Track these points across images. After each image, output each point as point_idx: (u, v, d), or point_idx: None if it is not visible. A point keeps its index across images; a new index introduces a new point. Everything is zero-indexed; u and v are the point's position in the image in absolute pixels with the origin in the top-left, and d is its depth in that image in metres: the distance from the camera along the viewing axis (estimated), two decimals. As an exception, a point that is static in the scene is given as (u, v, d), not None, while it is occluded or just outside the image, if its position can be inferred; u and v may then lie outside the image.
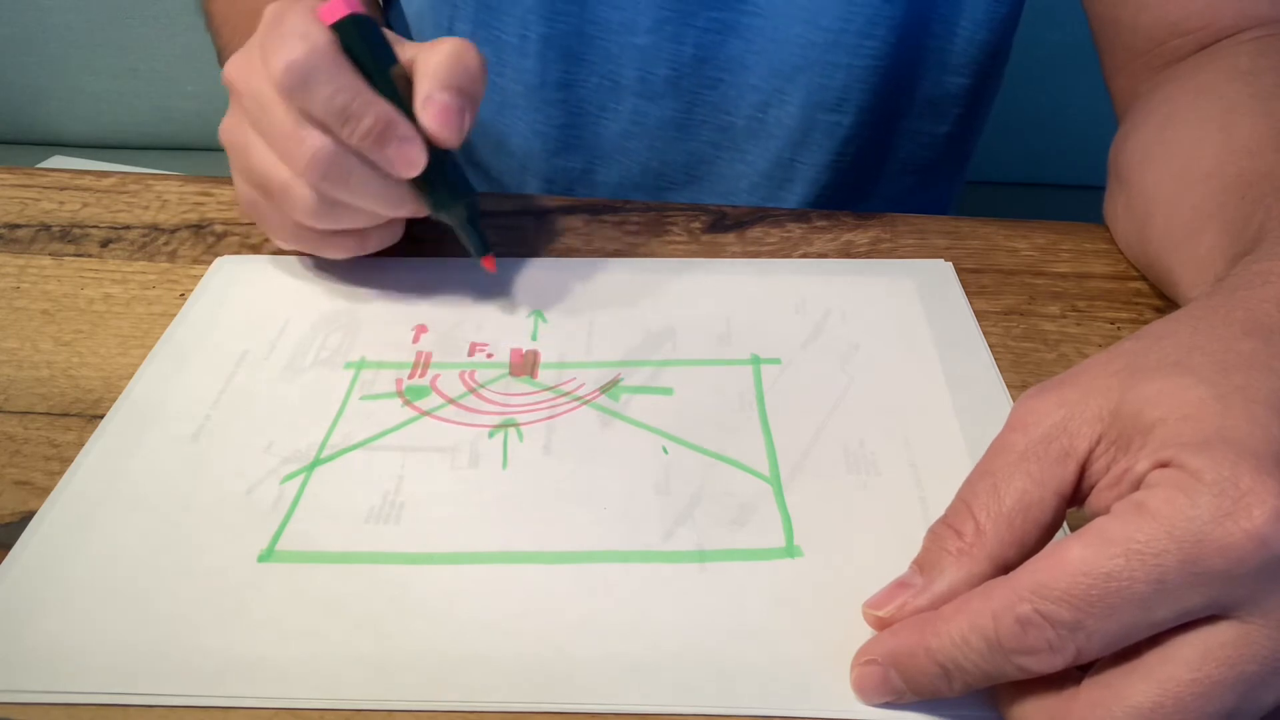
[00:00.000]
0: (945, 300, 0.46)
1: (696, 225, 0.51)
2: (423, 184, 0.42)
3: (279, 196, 0.41)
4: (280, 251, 0.48)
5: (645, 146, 0.63)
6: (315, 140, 0.39)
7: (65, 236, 0.50)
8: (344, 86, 0.38)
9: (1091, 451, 0.27)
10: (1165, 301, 0.46)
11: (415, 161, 0.40)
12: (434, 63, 0.40)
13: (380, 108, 0.39)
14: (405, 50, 0.42)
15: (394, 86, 0.40)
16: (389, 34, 0.42)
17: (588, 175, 0.65)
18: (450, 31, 0.61)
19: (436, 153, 0.41)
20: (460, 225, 0.43)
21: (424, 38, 0.63)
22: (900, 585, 0.29)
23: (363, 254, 0.45)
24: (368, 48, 0.40)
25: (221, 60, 0.61)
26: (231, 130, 0.43)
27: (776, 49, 0.58)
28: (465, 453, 0.38)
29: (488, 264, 0.44)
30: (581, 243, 0.50)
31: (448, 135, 0.40)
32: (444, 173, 0.42)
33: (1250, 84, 0.43)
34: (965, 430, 0.38)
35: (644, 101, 0.61)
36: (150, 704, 0.29)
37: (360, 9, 0.40)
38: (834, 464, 0.37)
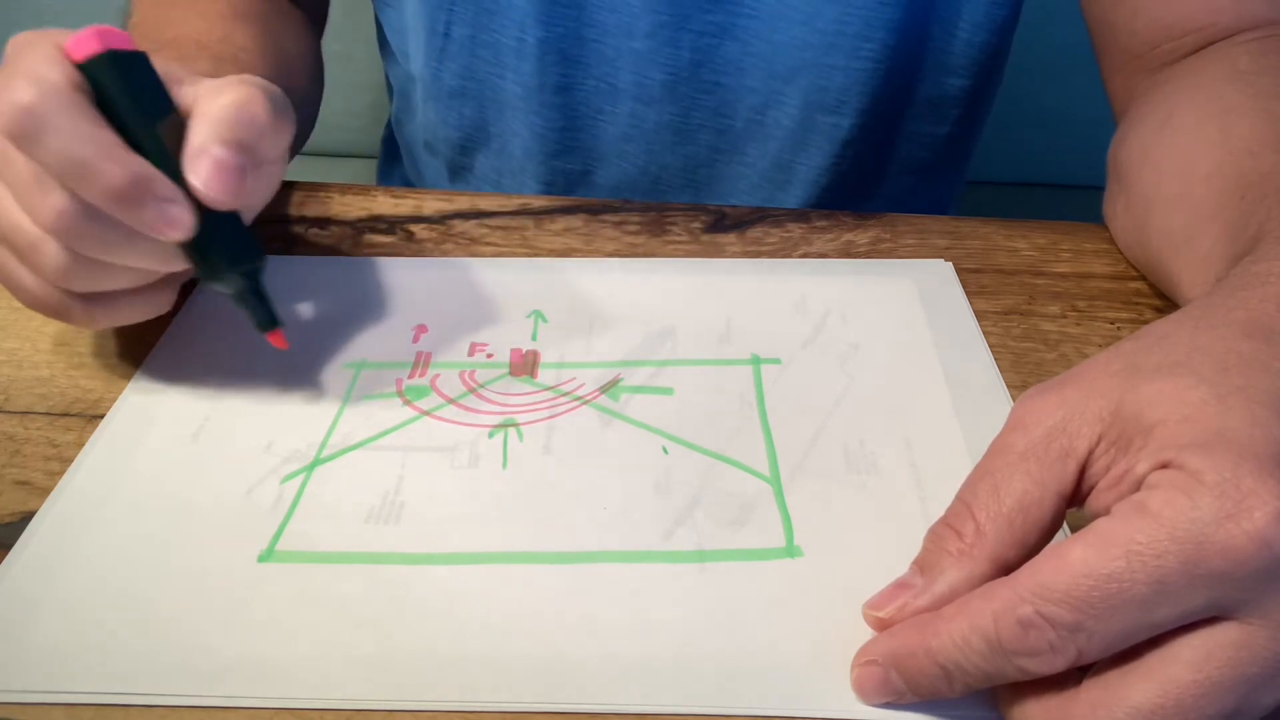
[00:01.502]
0: (945, 300, 0.46)
1: (696, 225, 0.51)
2: (191, 249, 0.36)
3: (26, 254, 0.35)
4: (281, 252, 0.48)
5: (643, 150, 0.63)
6: (57, 195, 0.33)
7: (65, 236, 0.50)
8: (80, 137, 0.32)
9: (1092, 452, 0.27)
10: (1165, 301, 0.46)
11: (180, 223, 0.34)
12: (212, 110, 0.35)
13: (129, 164, 0.33)
14: (187, 92, 0.36)
15: (158, 137, 0.34)
16: (169, 70, 0.36)
17: (586, 178, 0.65)
18: (447, 35, 0.61)
19: (209, 214, 0.35)
20: (237, 296, 0.38)
21: (420, 41, 0.63)
22: (900, 586, 0.29)
23: (126, 324, 0.39)
24: (127, 91, 0.34)
25: None
26: None
27: (774, 51, 0.58)
28: (465, 453, 0.38)
29: (274, 340, 0.39)
30: (581, 243, 0.50)
31: (219, 197, 0.34)
32: (218, 237, 0.36)
33: (1249, 84, 0.43)
34: (965, 430, 0.38)
35: (641, 105, 0.61)
36: (150, 704, 0.29)
37: (123, 44, 0.34)
38: (834, 464, 0.37)
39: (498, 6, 0.59)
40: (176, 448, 0.38)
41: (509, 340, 0.44)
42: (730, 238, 0.50)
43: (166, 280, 0.38)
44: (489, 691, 0.30)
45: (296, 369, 0.42)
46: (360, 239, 0.45)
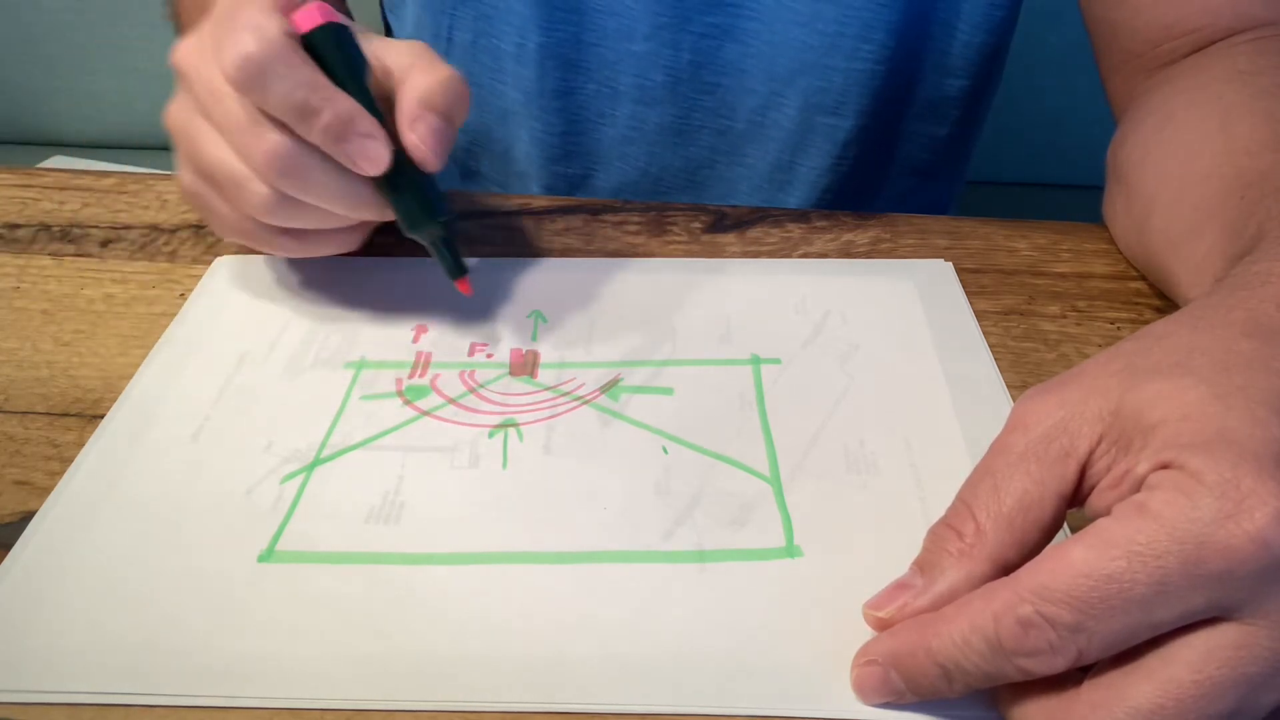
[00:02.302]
0: (945, 300, 0.46)
1: (696, 225, 0.51)
2: (396, 200, 0.40)
3: (232, 191, 0.39)
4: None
5: (644, 152, 0.63)
6: (272, 137, 0.37)
7: (65, 236, 0.50)
8: (301, 82, 0.37)
9: (1092, 452, 0.27)
10: (1165, 301, 0.46)
11: (377, 158, 0.38)
12: (425, 84, 0.39)
13: (341, 103, 0.37)
14: (384, 51, 0.41)
15: (368, 91, 0.39)
16: (367, 38, 0.41)
17: (587, 181, 0.65)
18: (449, 40, 0.61)
19: (414, 171, 0.40)
20: (434, 245, 0.42)
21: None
22: (901, 586, 0.29)
23: (313, 256, 0.44)
24: (343, 54, 0.39)
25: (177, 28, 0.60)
26: (179, 117, 0.41)
27: (773, 53, 0.58)
28: (465, 453, 0.38)
29: (462, 287, 0.43)
30: (581, 243, 0.50)
31: (433, 157, 0.39)
32: (420, 191, 0.40)
33: (1249, 84, 0.43)
34: (965, 430, 0.38)
35: (642, 107, 0.61)
36: (150, 704, 0.29)
37: (336, 17, 0.39)
38: (834, 464, 0.37)
39: (497, 12, 0.59)
40: (176, 448, 0.38)
41: (509, 340, 0.44)
42: (730, 238, 0.50)
43: (356, 226, 0.42)
44: (489, 691, 0.30)
45: (296, 369, 0.42)
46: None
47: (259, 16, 0.37)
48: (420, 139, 0.39)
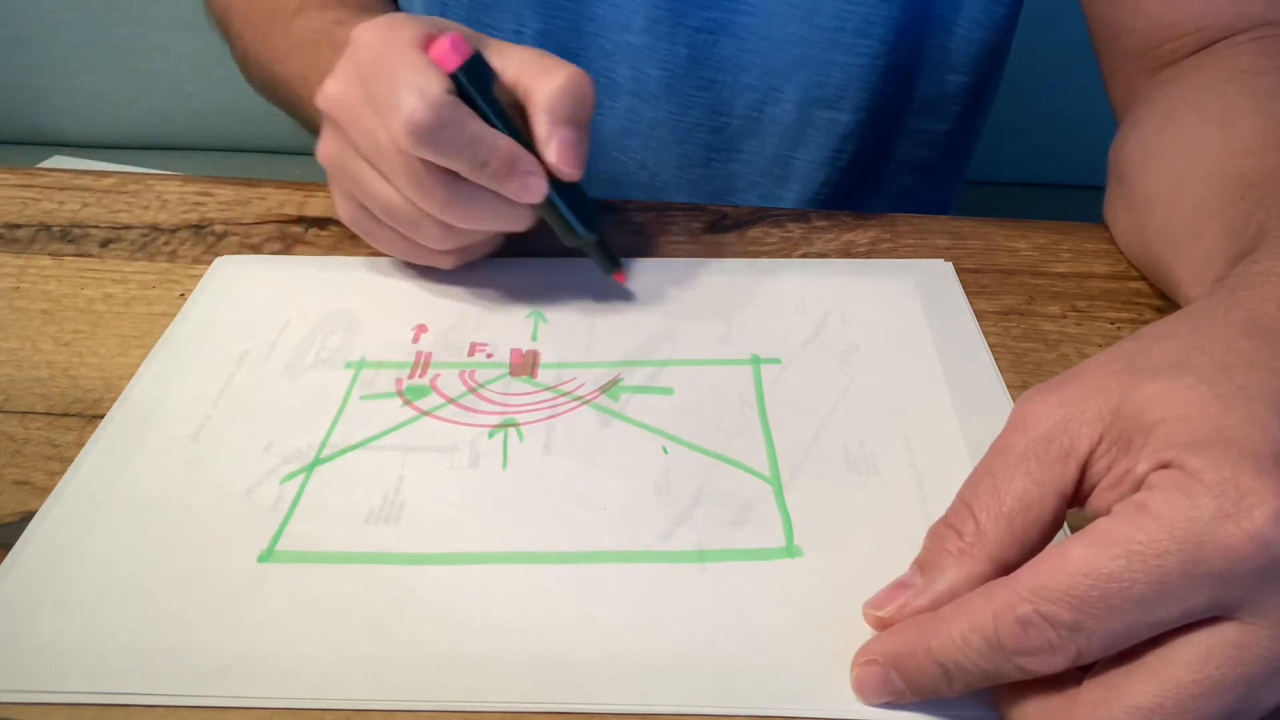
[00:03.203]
0: (945, 300, 0.46)
1: (696, 225, 0.51)
2: (553, 218, 0.43)
3: (405, 227, 0.42)
4: (282, 251, 0.49)
5: (641, 145, 0.63)
6: (444, 192, 0.40)
7: (65, 236, 0.50)
8: (469, 140, 0.39)
9: (1092, 452, 0.27)
10: (1165, 301, 0.46)
11: (538, 190, 0.41)
12: (549, 96, 0.40)
13: (504, 147, 0.40)
14: (500, 59, 0.42)
15: (511, 121, 0.41)
16: (472, 36, 0.42)
17: (585, 173, 0.65)
18: None
19: (562, 185, 0.42)
20: (593, 248, 0.45)
21: None
22: (900, 585, 0.29)
23: (470, 260, 0.46)
24: (482, 87, 0.40)
25: (241, 62, 0.60)
26: (337, 157, 0.43)
27: (771, 47, 0.58)
28: (465, 453, 0.38)
29: (619, 278, 0.46)
30: (581, 243, 0.50)
31: (570, 169, 0.41)
32: (572, 203, 0.43)
33: (1250, 84, 0.43)
34: (965, 430, 0.38)
35: (639, 101, 0.61)
36: (151, 704, 0.29)
37: (469, 49, 0.40)
38: (834, 464, 0.37)
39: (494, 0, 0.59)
40: (176, 448, 0.38)
41: (509, 340, 0.44)
42: (730, 238, 0.50)
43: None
44: (489, 691, 0.30)
45: (296, 369, 0.42)
46: (361, 239, 0.45)
47: (418, 76, 0.38)
48: (558, 158, 0.41)
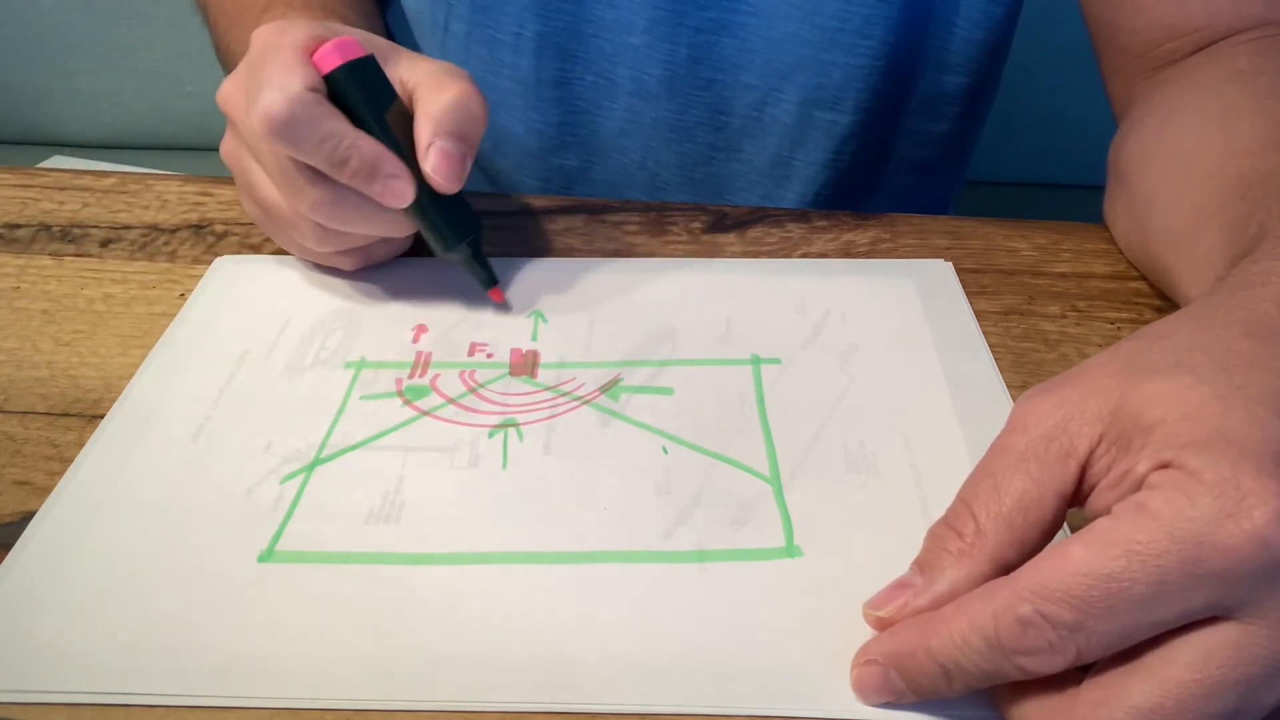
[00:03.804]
0: (945, 300, 0.46)
1: (696, 225, 0.51)
2: (424, 226, 0.43)
3: (286, 227, 0.43)
4: (281, 251, 0.49)
5: (641, 145, 0.63)
6: (312, 191, 0.40)
7: (65, 236, 0.50)
8: (326, 135, 0.39)
9: (1092, 452, 0.27)
10: (1165, 301, 0.46)
11: (402, 194, 0.41)
12: (436, 107, 0.41)
13: (364, 150, 0.40)
14: (409, 72, 0.42)
15: (387, 127, 0.41)
16: (377, 48, 0.42)
17: (585, 173, 0.65)
18: (446, 30, 0.61)
19: (436, 196, 0.42)
20: (465, 262, 0.44)
21: (421, 35, 0.63)
22: (900, 585, 0.29)
23: (367, 265, 0.46)
24: (362, 93, 0.40)
25: (219, 53, 0.61)
26: (232, 153, 0.44)
27: (771, 48, 0.58)
28: (465, 453, 0.38)
29: (495, 296, 0.45)
30: (581, 243, 0.50)
31: (449, 182, 0.41)
32: (447, 213, 0.42)
33: (1250, 84, 0.43)
34: (965, 430, 0.38)
35: (639, 101, 0.61)
36: (151, 704, 0.29)
37: (358, 53, 0.40)
38: (834, 464, 0.37)
39: (494, 2, 0.59)
40: (176, 448, 0.38)
41: (509, 340, 0.44)
42: (730, 238, 0.50)
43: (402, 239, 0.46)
44: (489, 691, 0.30)
45: (296, 369, 0.42)
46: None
47: (282, 73, 0.39)
48: (433, 168, 0.41)
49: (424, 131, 0.41)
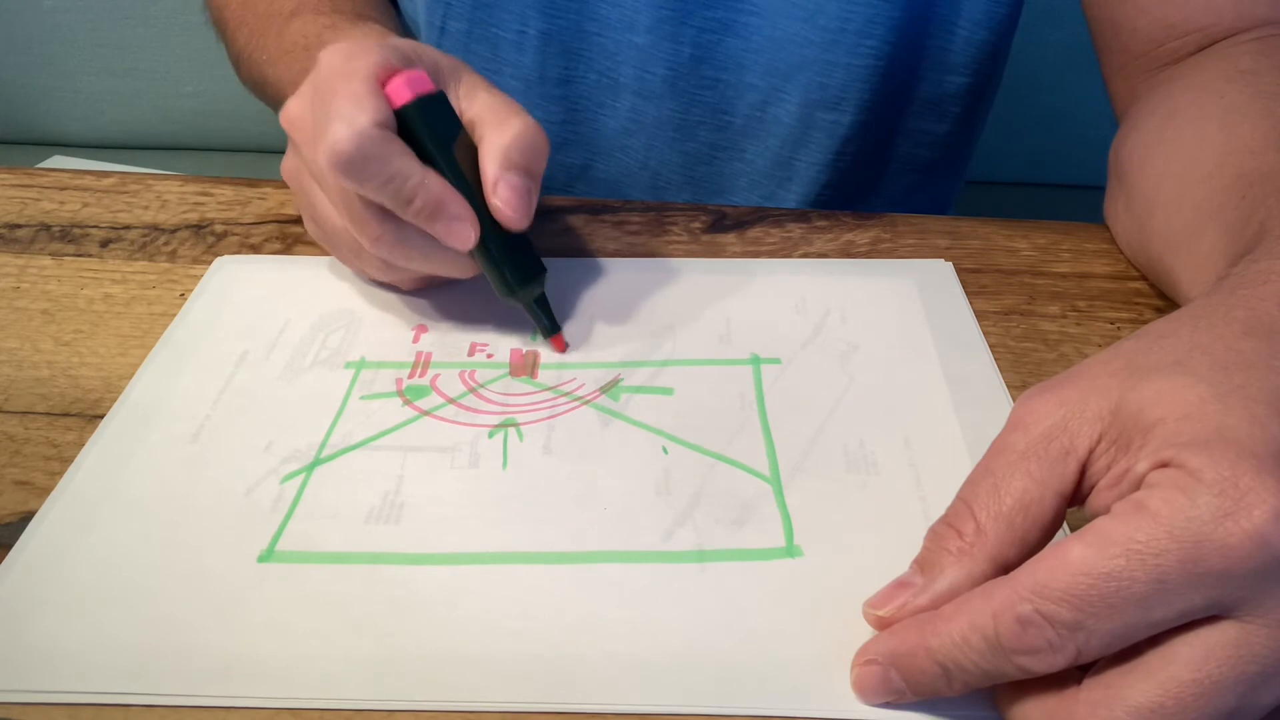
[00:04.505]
0: (945, 300, 0.46)
1: (696, 225, 0.51)
2: (488, 269, 0.42)
3: (348, 253, 0.43)
4: (281, 251, 0.49)
5: (644, 144, 0.63)
6: (375, 228, 0.40)
7: (65, 236, 0.50)
8: (392, 174, 0.38)
9: (1092, 451, 0.27)
10: (1165, 301, 0.46)
11: (465, 237, 0.40)
12: (502, 143, 0.40)
13: (429, 189, 0.39)
14: (468, 101, 0.41)
15: (455, 163, 0.40)
16: (449, 74, 0.41)
17: (587, 171, 0.65)
18: (442, 30, 0.61)
19: (501, 237, 0.41)
20: (527, 307, 0.43)
21: (417, 33, 0.63)
22: (900, 585, 0.29)
23: (430, 286, 0.46)
24: (430, 127, 0.39)
25: (234, 62, 0.61)
26: (294, 174, 0.44)
27: (774, 48, 0.58)
28: (465, 453, 0.38)
29: (556, 344, 0.43)
30: (581, 243, 0.50)
31: (517, 219, 0.40)
32: (512, 254, 0.41)
33: (1251, 84, 0.43)
34: (965, 430, 0.38)
35: (642, 100, 0.61)
36: (150, 704, 0.29)
37: (428, 87, 0.39)
38: (834, 464, 0.37)
39: (496, 0, 0.59)
40: (176, 448, 0.38)
41: (509, 340, 0.44)
42: (730, 238, 0.50)
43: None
44: (489, 691, 0.30)
45: (296, 369, 0.42)
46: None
47: (351, 106, 0.38)
48: (503, 201, 0.40)
49: (491, 166, 0.40)
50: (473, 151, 0.41)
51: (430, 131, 0.39)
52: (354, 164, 0.38)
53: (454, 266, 0.42)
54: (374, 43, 0.40)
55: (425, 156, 0.39)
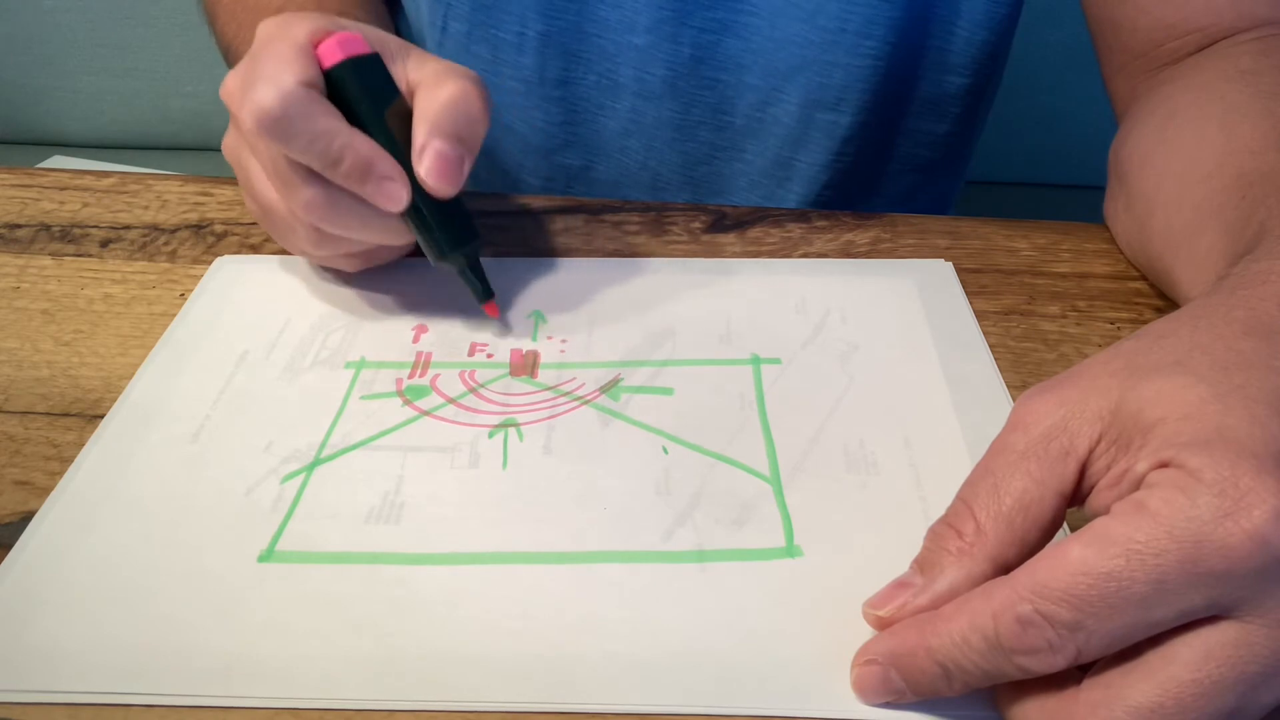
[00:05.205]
0: (945, 300, 0.46)
1: (696, 225, 0.51)
2: (420, 233, 0.41)
3: (282, 227, 0.42)
4: (281, 251, 0.49)
5: (643, 145, 0.63)
6: (305, 191, 0.39)
7: (65, 236, 0.50)
8: (319, 133, 0.37)
9: (1092, 451, 0.27)
10: (1165, 301, 0.46)
11: (397, 197, 0.39)
12: (434, 107, 0.39)
13: (358, 150, 0.38)
14: (415, 71, 0.41)
15: (386, 127, 0.39)
16: (385, 46, 0.41)
17: (586, 172, 0.65)
18: (444, 30, 0.61)
19: (433, 201, 0.40)
20: (460, 272, 0.43)
21: (420, 34, 0.63)
22: (900, 585, 0.29)
23: (369, 267, 0.45)
24: (363, 91, 0.39)
25: (224, 56, 0.61)
26: (233, 150, 0.43)
27: (774, 48, 0.58)
28: (465, 453, 0.38)
29: (490, 310, 0.43)
30: (581, 243, 0.50)
31: (443, 186, 0.39)
32: (441, 221, 0.41)
33: (1251, 84, 0.43)
34: (965, 430, 0.38)
35: (642, 101, 0.61)
36: (150, 704, 0.29)
37: (361, 49, 0.39)
38: (834, 464, 0.37)
39: (496, 1, 0.59)
40: (176, 448, 0.38)
41: (509, 340, 0.44)
42: (730, 238, 0.50)
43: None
44: (489, 691, 0.30)
45: (296, 369, 0.42)
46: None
47: (277, 66, 0.38)
48: (427, 171, 0.39)
49: (419, 132, 0.39)
50: (409, 118, 0.40)
51: (361, 93, 0.39)
52: (278, 123, 0.37)
53: (387, 232, 0.41)
54: (312, 14, 0.40)
55: (357, 120, 0.39)
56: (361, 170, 0.38)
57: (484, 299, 0.43)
